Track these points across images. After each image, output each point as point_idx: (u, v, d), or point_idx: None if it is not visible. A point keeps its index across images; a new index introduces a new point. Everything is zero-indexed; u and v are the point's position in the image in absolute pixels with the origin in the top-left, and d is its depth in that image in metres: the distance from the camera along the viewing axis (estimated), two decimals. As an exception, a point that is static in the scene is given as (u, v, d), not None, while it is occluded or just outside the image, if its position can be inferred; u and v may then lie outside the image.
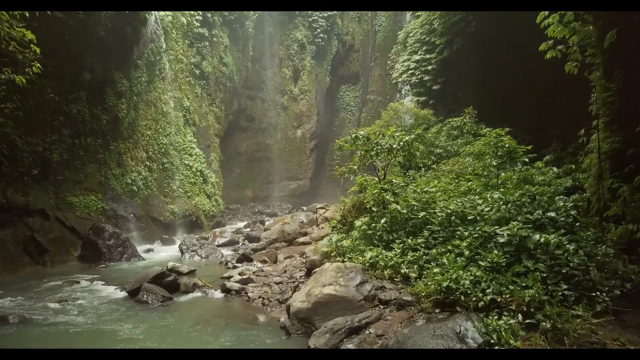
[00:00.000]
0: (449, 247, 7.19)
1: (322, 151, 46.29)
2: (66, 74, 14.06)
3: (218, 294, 9.71)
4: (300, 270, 10.88)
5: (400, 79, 24.30)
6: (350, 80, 48.40)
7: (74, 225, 15.30)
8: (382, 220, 8.60)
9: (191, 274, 12.01)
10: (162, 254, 17.13)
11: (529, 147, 10.65)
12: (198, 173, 24.29)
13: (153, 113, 21.56)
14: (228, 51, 31.74)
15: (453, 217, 7.82)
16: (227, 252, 17.20)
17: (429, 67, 22.62)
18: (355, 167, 10.27)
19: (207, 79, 28.68)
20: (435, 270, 6.32)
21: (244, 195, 41.07)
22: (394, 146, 9.90)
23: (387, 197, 8.86)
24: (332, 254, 9.53)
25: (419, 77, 23.09)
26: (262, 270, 11.70)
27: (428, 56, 22.84)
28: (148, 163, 20.87)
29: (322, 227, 16.09)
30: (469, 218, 7.25)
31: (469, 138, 14.30)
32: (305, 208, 36.90)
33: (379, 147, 10.00)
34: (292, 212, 34.11)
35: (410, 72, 23.53)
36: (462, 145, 13.93)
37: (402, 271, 7.53)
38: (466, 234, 7.03)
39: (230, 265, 13.20)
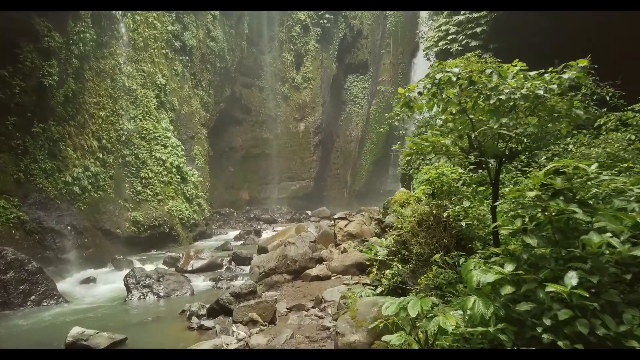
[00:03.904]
0: None
1: (328, 148, 40.92)
2: None
3: None
4: (322, 358, 5.27)
5: (435, 49, 18.82)
6: (358, 70, 43.01)
7: (-44, 247, 9.72)
8: (573, 277, 2.99)
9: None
10: (105, 287, 11.53)
11: None
12: (174, 170, 18.68)
13: (109, 88, 15.97)
14: (218, 24, 26.22)
15: None
16: (201, 283, 11.67)
17: (478, 30, 17.22)
18: (448, 141, 4.66)
19: (190, 54, 23.13)
20: None
21: (239, 197, 35.69)
22: (540, 93, 4.35)
23: (577, 210, 3.24)
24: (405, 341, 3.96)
25: (463, 43, 17.66)
26: (247, 346, 6.11)
27: (476, 15, 17.46)
28: (101, 155, 15.26)
29: (345, 249, 10.51)
30: None
31: (589, 104, 8.74)
32: (310, 212, 31.37)
33: (504, 97, 4.44)
34: (294, 220, 28.53)
35: (450, 37, 18.08)
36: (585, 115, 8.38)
37: None
38: None
39: (194, 322, 7.61)
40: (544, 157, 6.71)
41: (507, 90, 4.57)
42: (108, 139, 15.75)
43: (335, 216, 12.06)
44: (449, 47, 17.94)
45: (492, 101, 4.53)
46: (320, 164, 39.31)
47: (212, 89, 26.45)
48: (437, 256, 5.35)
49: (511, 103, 4.48)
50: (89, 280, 12.04)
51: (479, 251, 4.79)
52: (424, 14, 21.38)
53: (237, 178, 36.14)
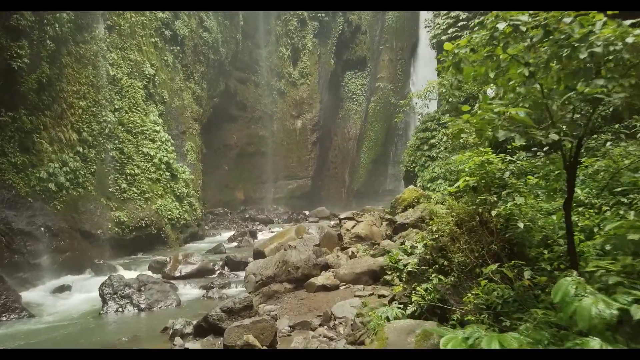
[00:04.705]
0: None
1: (325, 145, 39.67)
2: None
3: None
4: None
5: (444, 37, 17.63)
6: (356, 66, 41.73)
7: None
8: None
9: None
10: (80, 296, 10.20)
11: None
12: (163, 166, 17.30)
13: (90, 76, 14.58)
14: (211, 13, 24.86)
15: None
16: (190, 291, 10.38)
17: (491, 15, 15.84)
18: (521, 113, 3.41)
19: (181, 44, 21.76)
20: None
21: (233, 197, 34.34)
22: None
23: None
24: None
25: (476, 29, 16.29)
26: (242, 381, 4.81)
27: (490, -1, 16.07)
28: (81, 149, 13.88)
29: (354, 254, 9.23)
30: None
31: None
32: (307, 212, 30.10)
33: (599, 49, 3.18)
34: (292, 220, 27.24)
35: (461, 24, 16.91)
36: None
37: None
38: None
39: (177, 344, 6.30)
40: (610, 143, 5.49)
41: (599, 42, 3.31)
42: (89, 131, 14.36)
43: (342, 216, 10.78)
44: (459, 34, 16.78)
45: (582, 56, 3.27)
46: (318, 163, 38.08)
47: (205, 82, 25.09)
48: (491, 267, 4.08)
49: (610, 57, 3.24)
50: (63, 289, 10.69)
51: (582, 266, 3.52)
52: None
53: (232, 177, 34.80)
